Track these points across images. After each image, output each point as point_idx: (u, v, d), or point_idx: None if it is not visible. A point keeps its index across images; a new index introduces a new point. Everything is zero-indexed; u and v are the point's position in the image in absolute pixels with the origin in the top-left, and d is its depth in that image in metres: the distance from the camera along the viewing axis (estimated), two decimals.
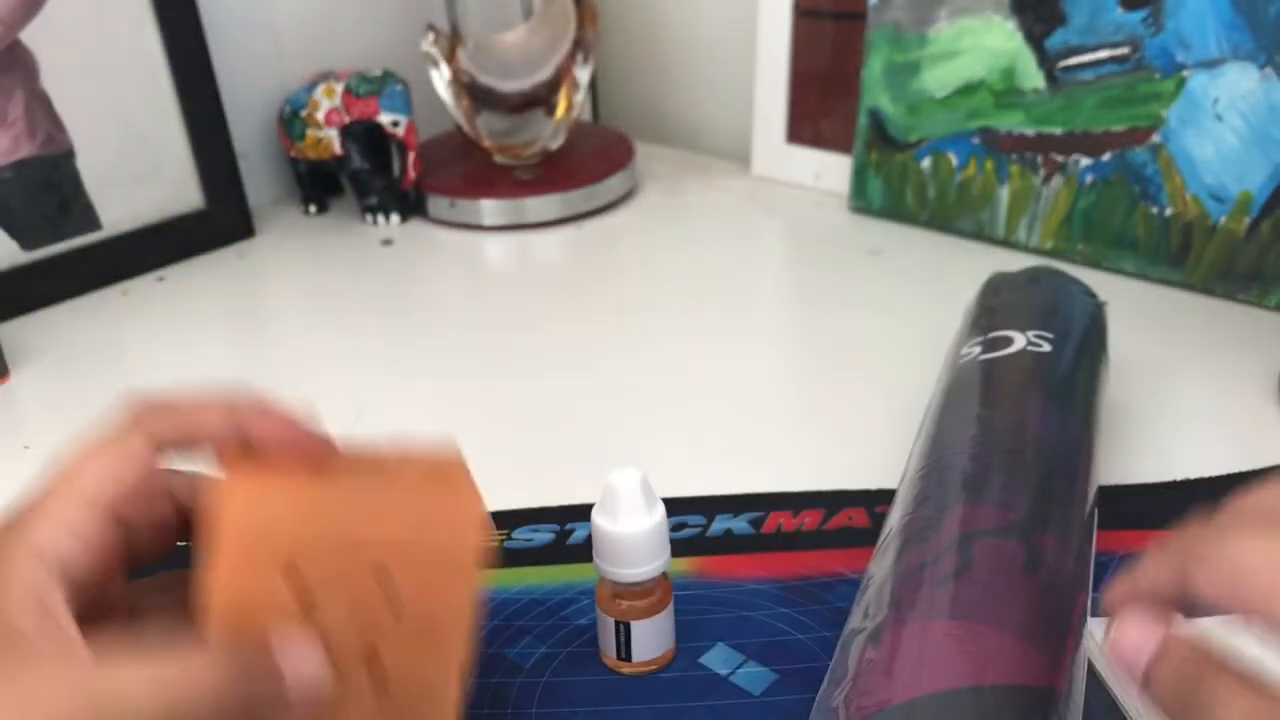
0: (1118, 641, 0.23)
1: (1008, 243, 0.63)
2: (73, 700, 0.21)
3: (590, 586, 0.34)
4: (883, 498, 0.41)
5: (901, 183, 0.66)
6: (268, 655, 0.24)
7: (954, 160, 0.63)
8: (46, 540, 0.23)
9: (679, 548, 0.39)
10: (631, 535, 0.31)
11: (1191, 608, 0.23)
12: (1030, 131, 0.60)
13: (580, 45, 0.70)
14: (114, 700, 0.21)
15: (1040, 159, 0.60)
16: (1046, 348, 0.39)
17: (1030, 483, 0.33)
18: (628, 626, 0.33)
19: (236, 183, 0.68)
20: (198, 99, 0.65)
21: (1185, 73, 0.54)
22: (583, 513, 0.41)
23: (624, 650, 0.33)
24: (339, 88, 0.68)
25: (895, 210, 0.67)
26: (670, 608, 0.33)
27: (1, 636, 0.22)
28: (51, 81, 0.59)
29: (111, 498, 0.25)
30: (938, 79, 0.63)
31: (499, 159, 0.72)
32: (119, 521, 0.25)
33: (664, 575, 0.33)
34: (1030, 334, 0.40)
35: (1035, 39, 0.58)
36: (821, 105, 0.71)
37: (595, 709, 0.33)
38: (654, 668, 0.34)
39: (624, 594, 0.32)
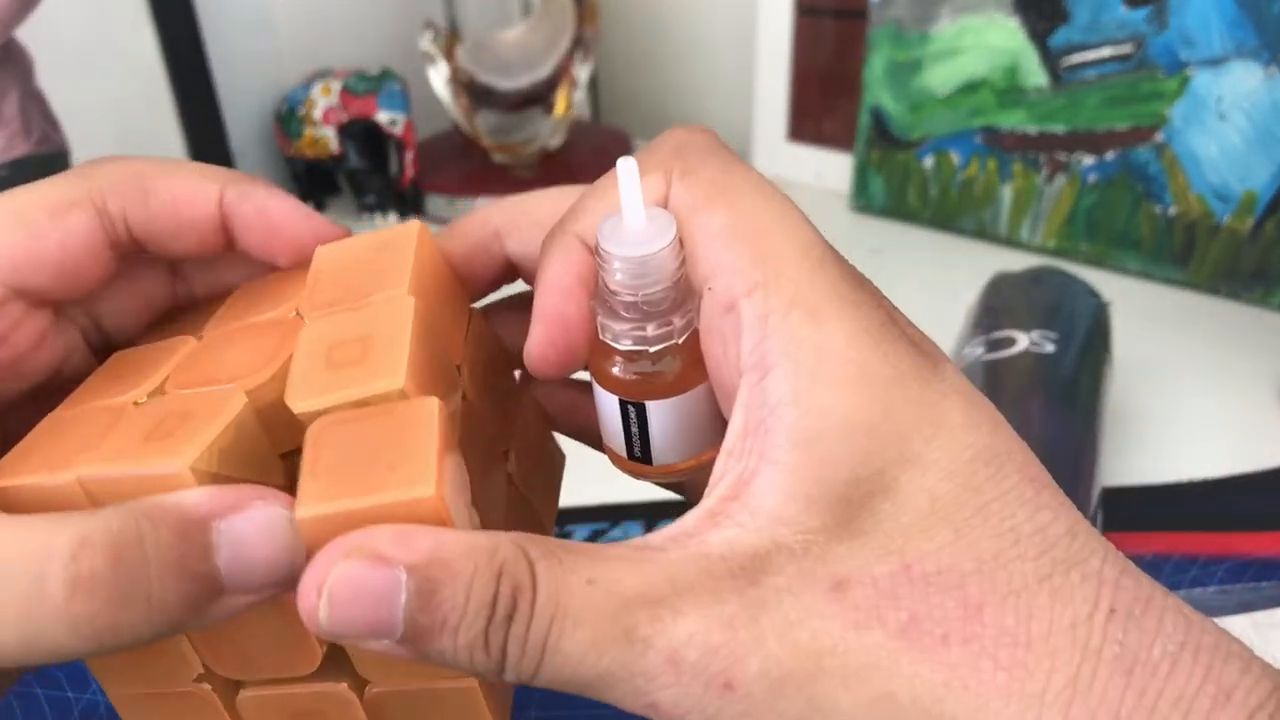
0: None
1: (1010, 242, 0.63)
2: None
3: None
4: None
5: (903, 182, 0.66)
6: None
7: (956, 159, 0.63)
8: None
9: None
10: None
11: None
12: (1033, 130, 0.60)
13: (579, 43, 0.70)
14: None
15: (1043, 158, 0.60)
16: (1050, 348, 0.39)
17: None
18: (641, 409, 0.21)
19: None
20: (194, 97, 0.64)
21: (1189, 71, 0.53)
22: (583, 514, 0.41)
23: (639, 445, 0.22)
24: (336, 86, 0.68)
25: (897, 209, 0.67)
26: (704, 390, 0.21)
27: None
28: (46, 80, 0.59)
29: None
30: (940, 77, 0.62)
31: (498, 157, 0.72)
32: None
33: (690, 343, 0.20)
34: (1033, 334, 0.40)
35: (1038, 37, 0.58)
36: (823, 104, 0.70)
37: (595, 710, 0.32)
38: (682, 475, 0.22)
39: (634, 356, 0.20)
